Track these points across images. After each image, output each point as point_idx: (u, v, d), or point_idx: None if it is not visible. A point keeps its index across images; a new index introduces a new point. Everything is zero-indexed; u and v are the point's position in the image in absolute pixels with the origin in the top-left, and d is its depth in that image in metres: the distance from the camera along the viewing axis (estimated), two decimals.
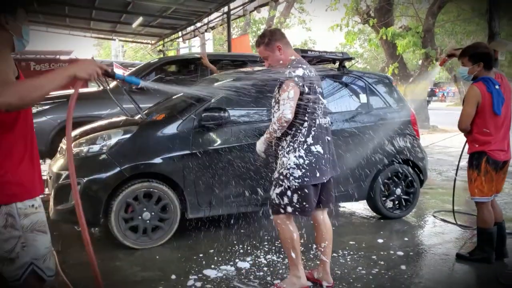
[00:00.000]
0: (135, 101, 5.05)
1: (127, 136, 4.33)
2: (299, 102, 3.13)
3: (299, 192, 3.17)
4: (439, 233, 4.86)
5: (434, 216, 5.42)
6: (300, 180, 3.15)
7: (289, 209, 3.20)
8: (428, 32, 15.57)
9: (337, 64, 5.25)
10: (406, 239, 4.64)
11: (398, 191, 5.27)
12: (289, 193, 3.19)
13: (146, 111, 5.12)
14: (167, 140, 4.39)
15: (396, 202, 5.31)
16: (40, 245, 2.03)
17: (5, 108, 1.77)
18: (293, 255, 3.30)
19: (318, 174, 3.19)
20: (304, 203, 3.19)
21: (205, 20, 14.36)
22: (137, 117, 4.92)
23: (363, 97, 5.23)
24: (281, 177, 3.21)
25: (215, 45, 26.93)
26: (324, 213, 3.47)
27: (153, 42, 21.26)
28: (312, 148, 3.19)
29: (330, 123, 3.45)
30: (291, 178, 3.16)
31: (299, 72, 3.13)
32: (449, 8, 17.81)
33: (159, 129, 4.41)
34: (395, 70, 15.95)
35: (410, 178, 5.30)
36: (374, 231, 4.88)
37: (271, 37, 3.28)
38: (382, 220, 5.28)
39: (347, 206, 5.99)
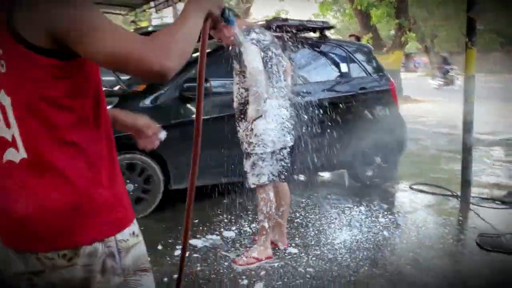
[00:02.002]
0: (115, 72, 4.93)
1: (109, 107, 4.23)
2: None
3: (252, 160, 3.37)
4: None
5: (411, 188, 5.46)
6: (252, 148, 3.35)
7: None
8: (401, 2, 15.61)
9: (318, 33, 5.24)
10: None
11: (378, 159, 5.35)
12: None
13: (126, 82, 5.02)
14: (149, 111, 4.32)
15: (376, 170, 5.40)
16: None
17: (165, 77, 1.12)
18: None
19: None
20: (277, 167, 3.35)
21: None
22: (116, 88, 4.83)
23: (344, 66, 5.24)
24: None
25: None
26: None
27: (124, 12, 20.68)
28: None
29: (288, 87, 3.54)
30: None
31: (255, 36, 3.26)
32: None
33: (140, 100, 4.35)
34: (369, 41, 15.98)
35: (389, 147, 5.38)
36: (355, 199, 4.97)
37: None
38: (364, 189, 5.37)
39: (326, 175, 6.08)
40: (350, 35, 8.45)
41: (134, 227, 1.32)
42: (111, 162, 1.28)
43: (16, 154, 1.17)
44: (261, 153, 3.28)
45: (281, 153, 3.34)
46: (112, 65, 1.14)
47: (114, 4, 18.85)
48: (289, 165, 3.44)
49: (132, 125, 1.67)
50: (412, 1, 19.66)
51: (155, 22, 20.58)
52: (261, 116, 3.23)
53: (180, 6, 19.64)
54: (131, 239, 1.29)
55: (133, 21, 16.01)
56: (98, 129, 1.25)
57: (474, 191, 4.98)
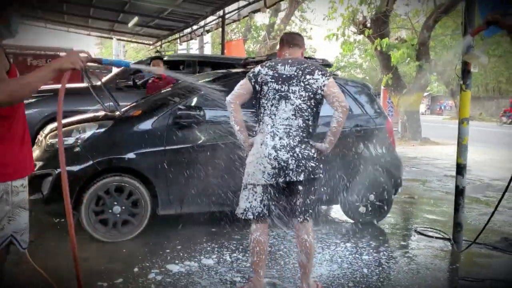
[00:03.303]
0: (113, 96, 5.12)
1: (102, 130, 4.40)
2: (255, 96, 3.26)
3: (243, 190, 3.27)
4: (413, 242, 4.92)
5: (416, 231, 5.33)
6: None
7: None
8: (423, 45, 15.67)
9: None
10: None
11: (372, 197, 5.33)
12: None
13: (125, 108, 5.18)
14: (141, 136, 4.45)
15: (369, 208, 5.37)
16: (21, 220, 2.29)
17: None
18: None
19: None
20: (249, 202, 3.19)
21: (202, 23, 14.47)
22: (116, 113, 4.98)
23: None
24: None
25: (215, 48, 27.03)
26: (298, 225, 3.25)
27: (151, 42, 21.40)
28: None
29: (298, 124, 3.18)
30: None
31: (255, 69, 3.27)
32: (446, 21, 17.93)
33: (134, 124, 4.49)
34: (389, 81, 16.04)
35: (383, 185, 5.36)
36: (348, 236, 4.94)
37: (284, 38, 3.52)
38: (356, 226, 5.33)
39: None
40: None
41: (24, 181, 2.30)
42: (14, 138, 2.20)
43: None
44: (243, 182, 3.27)
45: (254, 190, 3.18)
46: None
47: (142, 35, 19.59)
48: (268, 205, 3.18)
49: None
50: (436, 44, 19.74)
51: (181, 52, 21.13)
52: (251, 146, 3.26)
53: (206, 38, 20.18)
54: (20, 188, 2.26)
55: (158, 51, 16.57)
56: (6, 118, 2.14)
57: (469, 235, 4.90)
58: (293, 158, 3.08)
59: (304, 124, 3.16)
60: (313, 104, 3.17)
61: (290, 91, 3.15)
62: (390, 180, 5.42)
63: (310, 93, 3.15)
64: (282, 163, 3.07)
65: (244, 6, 11.35)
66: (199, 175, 4.57)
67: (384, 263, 4.15)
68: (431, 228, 5.26)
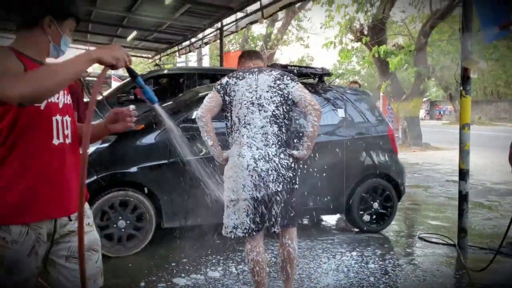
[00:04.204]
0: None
1: (105, 145, 4.41)
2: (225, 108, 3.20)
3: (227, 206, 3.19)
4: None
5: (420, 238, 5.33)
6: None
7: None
8: (420, 51, 15.75)
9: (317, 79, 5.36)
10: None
11: (376, 205, 5.33)
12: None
13: None
14: (145, 150, 4.47)
15: (373, 216, 5.37)
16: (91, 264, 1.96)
17: (18, 101, 1.55)
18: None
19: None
20: (236, 219, 3.12)
21: (200, 36, 14.53)
22: None
23: (341, 111, 5.32)
24: None
25: (213, 60, 27.13)
26: (282, 231, 3.20)
27: (150, 56, 21.46)
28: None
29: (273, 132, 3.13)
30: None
31: (223, 80, 3.23)
32: (443, 27, 18.02)
33: (137, 139, 4.50)
34: (388, 87, 16.09)
35: (387, 193, 5.37)
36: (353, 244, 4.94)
37: (244, 54, 3.54)
38: (360, 234, 5.33)
39: (325, 219, 6.06)
40: (352, 82, 8.59)
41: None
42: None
43: None
44: (225, 199, 3.21)
45: (238, 206, 3.10)
46: None
47: (141, 49, 19.66)
48: (253, 219, 3.09)
49: (106, 120, 2.06)
50: (433, 49, 19.82)
51: (180, 66, 21.21)
52: (227, 160, 3.20)
53: (205, 50, 20.26)
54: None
55: (157, 65, 16.60)
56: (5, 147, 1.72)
57: (474, 240, 4.90)
58: (273, 169, 3.04)
59: (279, 132, 3.12)
60: (285, 110, 3.13)
61: (263, 97, 3.10)
62: (393, 187, 5.43)
63: (282, 99, 3.12)
64: (263, 174, 3.02)
65: (241, 18, 11.40)
66: (203, 187, 4.58)
67: (390, 271, 4.15)
68: (435, 234, 5.25)
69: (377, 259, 4.45)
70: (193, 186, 4.53)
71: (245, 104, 3.11)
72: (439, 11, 15.52)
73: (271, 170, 3.03)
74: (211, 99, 3.19)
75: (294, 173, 3.14)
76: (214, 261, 4.28)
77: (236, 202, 3.10)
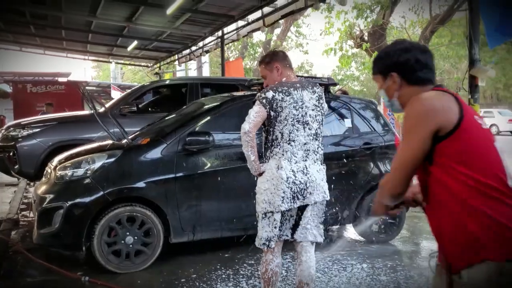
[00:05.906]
0: (120, 125, 5.09)
1: (111, 160, 4.37)
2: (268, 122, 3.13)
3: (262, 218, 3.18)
4: None
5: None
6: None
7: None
8: None
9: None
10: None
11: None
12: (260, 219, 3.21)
13: (132, 136, 5.14)
14: (151, 164, 4.42)
15: (382, 226, 5.32)
16: None
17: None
18: None
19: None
20: (271, 232, 3.12)
21: (200, 44, 14.51)
22: (123, 141, 4.95)
23: (348, 121, 5.28)
24: None
25: (213, 67, 27.13)
26: (301, 247, 3.23)
27: (150, 64, 21.47)
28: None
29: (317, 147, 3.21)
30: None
31: (269, 94, 3.09)
32: (442, 32, 18.02)
33: (143, 153, 4.45)
34: None
35: None
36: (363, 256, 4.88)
37: (271, 58, 3.31)
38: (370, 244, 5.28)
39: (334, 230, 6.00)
40: (339, 90, 8.41)
41: None
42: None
43: None
44: (259, 212, 3.18)
45: (274, 217, 3.10)
46: None
47: (141, 58, 19.66)
48: (282, 232, 3.19)
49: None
50: (433, 54, 19.80)
51: (179, 74, 21.21)
52: (262, 173, 3.16)
53: (204, 58, 20.26)
54: None
55: (157, 73, 16.59)
56: None
57: None
58: (311, 181, 3.09)
59: (318, 147, 3.19)
60: (322, 126, 3.25)
61: (308, 115, 3.13)
62: None
63: (323, 116, 3.24)
64: (302, 186, 3.07)
65: (243, 26, 11.40)
66: (211, 201, 4.54)
67: (402, 284, 4.09)
68: None
69: (388, 271, 4.39)
70: (200, 199, 4.48)
71: (291, 121, 3.08)
72: (439, 16, 15.51)
73: (309, 182, 3.09)
74: (257, 114, 3.09)
75: (326, 185, 3.24)
76: (224, 276, 4.22)
77: (271, 214, 3.11)
